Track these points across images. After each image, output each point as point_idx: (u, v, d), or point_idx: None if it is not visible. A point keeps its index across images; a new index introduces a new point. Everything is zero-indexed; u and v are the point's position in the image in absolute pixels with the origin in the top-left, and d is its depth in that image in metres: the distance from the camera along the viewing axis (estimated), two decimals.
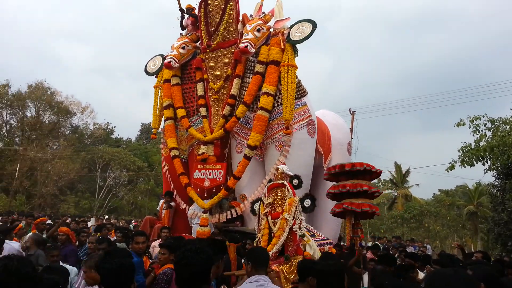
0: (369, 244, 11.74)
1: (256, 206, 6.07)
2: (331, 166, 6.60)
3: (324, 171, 7.13)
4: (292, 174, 6.19)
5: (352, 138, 14.48)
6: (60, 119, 30.45)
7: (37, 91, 28.85)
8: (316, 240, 6.77)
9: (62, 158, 27.85)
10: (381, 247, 10.50)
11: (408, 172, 31.78)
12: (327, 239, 7.35)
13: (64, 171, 27.32)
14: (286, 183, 5.87)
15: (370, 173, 6.33)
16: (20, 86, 29.22)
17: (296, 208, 5.55)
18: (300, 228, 5.45)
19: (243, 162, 7.30)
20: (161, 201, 8.93)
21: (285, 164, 7.03)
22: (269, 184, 6.04)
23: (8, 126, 29.38)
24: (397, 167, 32.11)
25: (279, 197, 5.78)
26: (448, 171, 11.53)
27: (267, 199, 5.79)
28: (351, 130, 16.93)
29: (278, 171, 6.06)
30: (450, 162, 11.28)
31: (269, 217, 5.73)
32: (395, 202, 31.89)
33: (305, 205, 7.08)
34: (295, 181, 6.98)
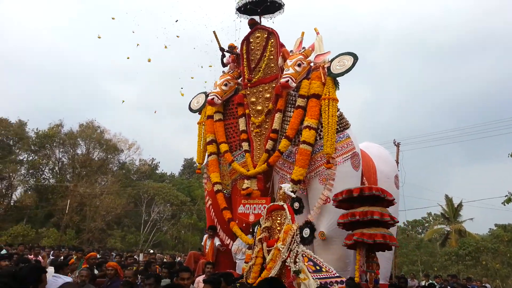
0: (423, 283, 11.01)
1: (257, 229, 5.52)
2: (338, 192, 6.13)
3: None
4: (294, 195, 5.59)
5: (398, 171, 13.98)
6: (109, 156, 31.81)
7: (87, 130, 30.44)
8: (323, 278, 5.41)
9: (110, 194, 28.80)
10: (437, 286, 9.84)
11: (460, 205, 30.10)
12: (338, 275, 5.82)
13: (112, 206, 28.14)
14: (285, 205, 5.25)
15: (382, 200, 5.85)
16: (72, 126, 31.00)
17: (292, 237, 4.86)
18: (295, 262, 4.72)
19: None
20: (205, 236, 8.90)
21: (328, 199, 6.83)
22: (269, 205, 5.59)
23: (60, 163, 30.94)
24: (449, 200, 30.48)
25: (278, 221, 5.25)
26: (504, 205, 10.85)
27: (265, 222, 5.24)
28: (397, 162, 16.38)
29: (280, 191, 5.50)
30: (507, 195, 10.64)
31: (265, 244, 5.11)
32: (448, 237, 30.12)
33: (304, 235, 6.60)
34: (296, 205, 6.43)
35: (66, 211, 26.44)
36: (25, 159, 29.59)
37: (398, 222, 6.82)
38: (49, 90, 60.98)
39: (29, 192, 29.34)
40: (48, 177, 30.95)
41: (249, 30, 8.57)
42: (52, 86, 62.00)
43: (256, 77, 8.17)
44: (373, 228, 5.49)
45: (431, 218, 35.66)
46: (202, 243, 9.33)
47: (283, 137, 7.52)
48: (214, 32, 9.01)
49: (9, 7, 64.90)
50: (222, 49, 9.08)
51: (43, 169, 30.58)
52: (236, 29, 8.62)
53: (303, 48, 7.69)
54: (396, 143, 19.94)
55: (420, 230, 37.20)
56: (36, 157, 29.67)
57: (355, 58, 7.15)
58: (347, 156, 7.23)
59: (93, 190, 28.89)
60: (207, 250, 8.33)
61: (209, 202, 8.71)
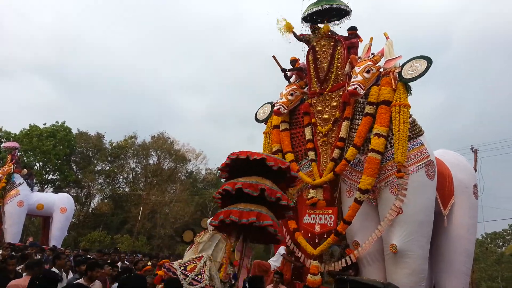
0: None
1: None
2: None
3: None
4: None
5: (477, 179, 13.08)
6: (177, 166, 33.16)
7: (158, 141, 32.04)
8: None
9: (179, 202, 29.94)
10: None
11: None
12: None
13: (180, 214, 29.17)
14: None
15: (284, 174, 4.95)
16: (145, 137, 32.94)
17: None
18: None
19: (354, 207, 6.98)
20: (281, 249, 8.92)
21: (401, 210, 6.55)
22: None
23: (133, 173, 32.79)
24: None
25: None
26: None
27: None
28: (475, 170, 15.34)
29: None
30: None
31: None
32: None
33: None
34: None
35: (139, 218, 27.85)
36: (102, 169, 31.74)
37: (293, 206, 5.90)
38: (124, 103, 65.18)
39: (106, 200, 31.36)
40: (122, 186, 32.95)
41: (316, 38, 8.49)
42: (127, 100, 66.14)
43: (328, 88, 8.07)
44: (250, 205, 4.66)
45: None
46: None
47: (350, 145, 7.34)
48: (273, 56, 9.11)
49: (91, 24, 70.43)
50: (284, 71, 9.13)
51: (118, 178, 32.62)
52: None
53: (372, 54, 7.50)
54: (473, 150, 18.80)
55: (500, 244, 34.39)
56: (111, 167, 31.73)
57: (429, 61, 6.85)
58: (421, 165, 6.88)
59: (164, 198, 30.20)
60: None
61: None
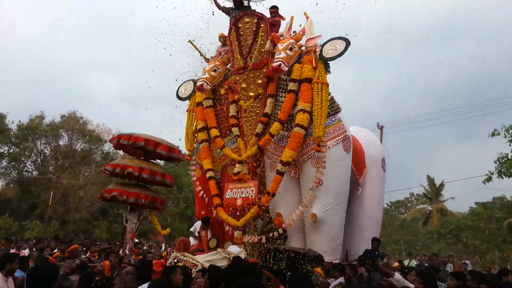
0: (406, 262, 10.93)
1: None
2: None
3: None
4: (243, 256, 5.99)
5: None
6: (92, 147, 31.24)
7: (70, 121, 29.77)
8: None
9: (94, 184, 28.42)
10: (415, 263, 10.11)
11: (442, 185, 30.83)
12: None
13: (96, 197, 27.80)
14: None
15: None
16: (54, 117, 30.27)
17: None
18: None
19: (276, 178, 7.28)
20: (197, 225, 8.92)
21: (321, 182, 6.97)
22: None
23: (42, 155, 30.31)
24: (430, 181, 31.18)
25: None
26: (485, 183, 11.16)
27: None
28: None
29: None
30: (487, 174, 10.95)
31: None
32: (430, 217, 30.90)
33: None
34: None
35: (50, 203, 26.05)
36: (6, 152, 28.87)
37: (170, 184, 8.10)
38: (29, 85, 59.25)
39: (11, 185, 28.76)
40: (30, 170, 30.35)
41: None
42: (32, 81, 60.31)
43: (251, 64, 8.14)
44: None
45: (413, 198, 36.45)
46: (193, 230, 9.37)
47: (275, 120, 7.55)
48: (190, 41, 9.01)
49: None
50: (205, 58, 9.09)
51: (25, 161, 29.95)
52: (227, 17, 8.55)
53: (294, 32, 7.70)
54: (379, 126, 20.24)
55: (403, 211, 38.05)
56: (17, 150, 29.00)
57: (348, 42, 7.20)
58: (338, 139, 7.35)
59: (77, 182, 28.43)
60: (202, 239, 8.31)
61: (201, 189, 8.62)
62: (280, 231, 7.36)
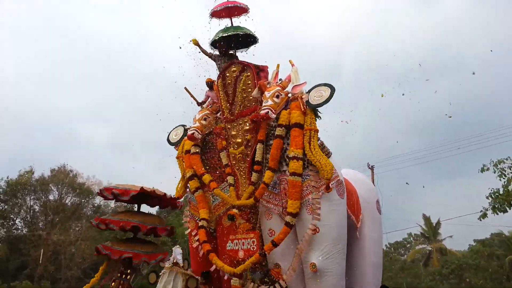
0: None
1: None
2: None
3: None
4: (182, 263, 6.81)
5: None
6: (82, 200, 30.70)
7: (59, 175, 29.44)
8: None
9: (86, 240, 27.66)
10: None
11: (438, 224, 30.56)
12: None
13: (88, 253, 26.95)
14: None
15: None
16: (43, 171, 29.91)
17: None
18: None
19: (285, 230, 7.04)
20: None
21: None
22: None
23: (31, 211, 29.67)
24: (426, 219, 30.93)
25: None
26: (480, 220, 11.08)
27: None
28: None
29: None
30: (481, 210, 10.90)
31: None
32: (430, 257, 30.35)
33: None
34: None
35: (40, 261, 25.18)
36: None
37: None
38: (16, 136, 59.03)
39: (0, 244, 27.92)
40: (20, 227, 29.54)
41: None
42: (19, 132, 60.18)
43: (236, 111, 8.21)
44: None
45: (411, 239, 35.97)
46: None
47: (266, 168, 7.47)
48: (185, 88, 9.24)
49: None
50: (199, 104, 9.28)
51: (15, 218, 29.22)
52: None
53: (280, 79, 7.82)
54: (370, 166, 20.22)
55: (402, 252, 37.39)
56: (6, 207, 28.36)
57: (332, 89, 7.27)
58: (331, 184, 7.25)
59: (68, 237, 27.68)
60: None
61: (196, 242, 8.33)
62: (282, 283, 7.05)
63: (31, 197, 29.41)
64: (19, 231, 29.07)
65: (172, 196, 8.49)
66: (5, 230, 28.54)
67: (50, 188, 29.51)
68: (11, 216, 28.88)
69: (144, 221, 7.95)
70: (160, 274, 7.92)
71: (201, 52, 8.95)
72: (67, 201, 30.23)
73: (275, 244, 7.04)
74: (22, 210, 29.26)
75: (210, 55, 8.98)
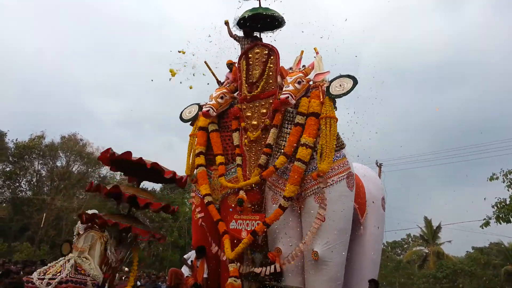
0: None
1: None
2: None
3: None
4: None
5: None
6: (89, 170, 30.94)
7: (69, 142, 29.67)
8: None
9: (89, 209, 28.02)
10: None
11: (439, 227, 30.53)
12: None
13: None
14: None
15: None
16: (54, 137, 30.14)
17: None
18: None
19: (277, 212, 7.10)
20: (191, 254, 8.69)
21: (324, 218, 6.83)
22: None
23: (38, 175, 29.99)
24: (427, 222, 30.90)
25: None
26: (482, 228, 11.07)
27: None
28: None
29: None
30: (485, 218, 10.88)
31: None
32: (427, 259, 30.41)
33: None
34: None
35: (42, 225, 25.56)
36: (1, 170, 28.56)
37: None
38: (32, 103, 59.64)
39: (4, 204, 28.32)
40: (25, 189, 29.90)
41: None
42: (35, 100, 60.74)
43: (256, 92, 8.20)
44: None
45: (410, 240, 36.01)
46: (186, 257, 9.09)
47: (281, 153, 7.49)
48: (205, 62, 9.22)
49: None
50: (218, 81, 9.30)
51: (20, 180, 29.57)
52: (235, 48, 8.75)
53: (303, 66, 7.80)
54: (378, 164, 20.15)
55: (399, 252, 37.49)
56: (13, 168, 28.68)
57: (355, 81, 7.21)
58: (342, 176, 7.26)
59: (71, 204, 28.01)
60: (196, 269, 8.06)
61: (200, 217, 8.31)
62: (277, 267, 7.09)
63: (39, 162, 29.71)
64: (23, 193, 29.42)
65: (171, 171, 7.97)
66: (10, 191, 28.91)
67: (59, 154, 29.77)
68: (17, 178, 29.20)
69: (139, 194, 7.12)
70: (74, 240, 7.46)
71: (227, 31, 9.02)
72: (74, 169, 30.53)
73: (266, 224, 7.10)
74: (28, 173, 29.58)
75: (234, 37, 9.02)
